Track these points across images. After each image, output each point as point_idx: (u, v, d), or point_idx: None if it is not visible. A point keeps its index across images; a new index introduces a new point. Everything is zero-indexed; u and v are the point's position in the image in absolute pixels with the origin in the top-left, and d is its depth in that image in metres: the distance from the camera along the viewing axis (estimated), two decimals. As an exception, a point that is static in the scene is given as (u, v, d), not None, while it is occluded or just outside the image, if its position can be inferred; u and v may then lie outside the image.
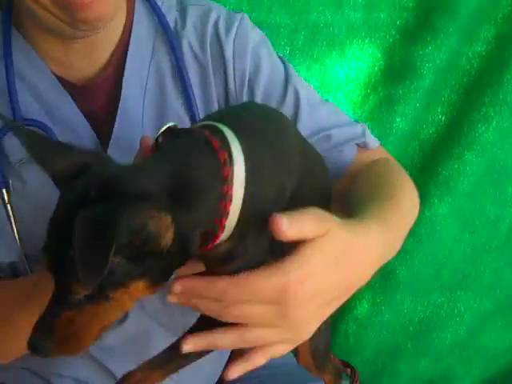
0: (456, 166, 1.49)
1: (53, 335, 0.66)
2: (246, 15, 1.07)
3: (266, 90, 1.02)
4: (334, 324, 1.60)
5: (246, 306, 0.68)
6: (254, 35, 1.05)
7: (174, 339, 0.76)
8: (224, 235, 0.69)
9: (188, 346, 0.71)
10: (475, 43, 1.50)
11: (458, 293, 1.59)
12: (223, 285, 0.67)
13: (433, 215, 1.50)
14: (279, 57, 1.09)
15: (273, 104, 1.02)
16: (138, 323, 0.97)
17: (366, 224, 0.78)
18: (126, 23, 1.00)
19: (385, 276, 1.55)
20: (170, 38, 1.01)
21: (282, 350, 0.74)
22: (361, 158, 1.05)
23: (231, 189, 0.68)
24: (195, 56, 1.02)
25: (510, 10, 1.49)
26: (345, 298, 0.77)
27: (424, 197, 1.51)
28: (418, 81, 1.47)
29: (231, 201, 0.68)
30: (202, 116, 1.01)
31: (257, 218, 0.70)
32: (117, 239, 0.58)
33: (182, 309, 0.86)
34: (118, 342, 0.97)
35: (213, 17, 1.03)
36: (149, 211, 0.62)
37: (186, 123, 1.00)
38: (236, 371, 0.72)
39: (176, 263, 0.69)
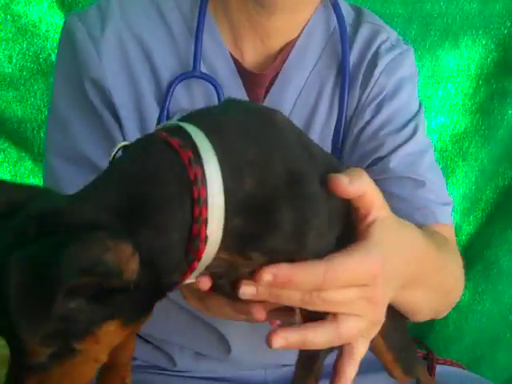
0: None
1: None
2: (412, 50, 1.10)
3: (392, 113, 1.02)
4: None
5: (342, 291, 0.64)
6: (409, 68, 1.07)
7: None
8: (211, 247, 0.58)
9: (277, 341, 0.63)
10: None
11: None
12: (321, 269, 0.62)
13: (539, 206, 1.50)
14: (419, 101, 1.09)
15: (387, 131, 1.00)
16: None
17: (412, 226, 0.77)
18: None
19: (488, 266, 1.56)
20: (344, 47, 1.02)
21: (364, 347, 0.70)
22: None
23: (203, 190, 0.57)
24: (353, 64, 1.03)
25: None
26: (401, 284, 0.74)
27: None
28: (531, 73, 1.47)
29: (206, 204, 0.57)
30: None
31: (268, 213, 0.59)
32: (62, 284, 0.47)
33: None
34: None
35: (382, 37, 1.06)
36: (101, 242, 0.51)
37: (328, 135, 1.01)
38: None
39: (152, 295, 0.58)
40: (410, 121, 1.03)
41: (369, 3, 1.43)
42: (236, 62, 1.01)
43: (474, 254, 1.58)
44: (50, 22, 1.45)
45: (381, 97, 1.03)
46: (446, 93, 1.54)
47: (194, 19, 0.99)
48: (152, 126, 0.96)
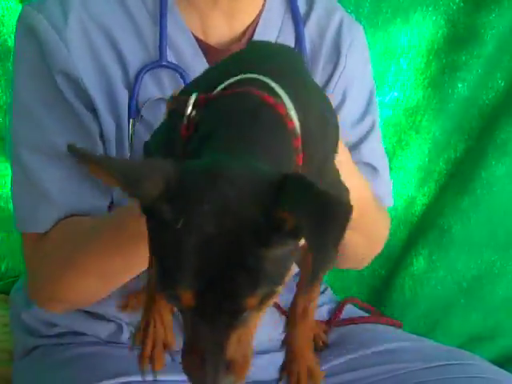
0: (514, 130, 1.55)
1: (230, 369, 0.57)
2: (363, 29, 1.20)
3: (355, 100, 1.13)
4: (390, 279, 1.70)
5: None
6: (366, 47, 1.19)
7: None
8: None
9: None
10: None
11: (511, 251, 1.65)
12: None
13: (490, 176, 1.56)
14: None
15: (351, 117, 1.13)
16: None
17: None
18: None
19: (441, 234, 1.63)
20: (297, 23, 1.09)
21: None
22: None
23: (298, 140, 0.67)
24: (312, 41, 1.11)
25: None
26: None
27: (482, 159, 1.58)
28: (480, 47, 1.52)
29: (298, 154, 0.67)
30: None
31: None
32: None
33: None
34: None
35: (338, 15, 1.14)
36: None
37: None
38: None
39: None
40: (369, 104, 1.13)
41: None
42: (201, 42, 1.03)
43: (428, 223, 1.65)
44: (6, 6, 1.43)
45: (347, 79, 1.11)
46: (399, 68, 1.59)
47: (157, 5, 1.01)
48: (125, 114, 0.98)
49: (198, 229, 0.54)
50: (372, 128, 1.17)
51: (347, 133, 1.06)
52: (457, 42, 1.55)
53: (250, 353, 0.59)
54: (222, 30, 1.05)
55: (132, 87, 0.99)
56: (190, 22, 1.03)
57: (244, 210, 0.55)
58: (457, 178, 1.62)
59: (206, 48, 1.04)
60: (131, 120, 0.99)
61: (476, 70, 1.54)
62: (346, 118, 1.11)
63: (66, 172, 0.97)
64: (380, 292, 1.71)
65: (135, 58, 1.00)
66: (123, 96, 0.99)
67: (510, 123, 1.55)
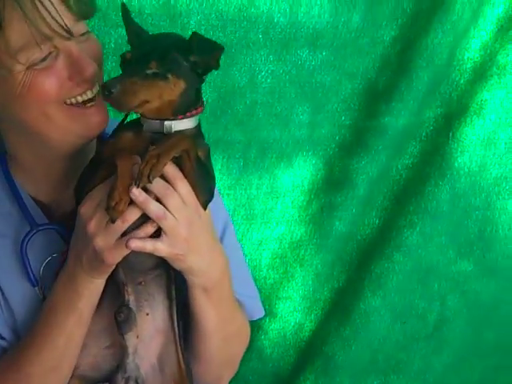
0: (386, 264, 1.71)
1: (121, 83, 0.93)
2: None
3: None
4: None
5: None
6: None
7: None
8: None
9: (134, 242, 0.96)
10: (403, 157, 1.75)
11: (392, 376, 1.78)
12: None
13: (367, 307, 1.71)
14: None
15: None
16: None
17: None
18: None
19: (326, 360, 1.74)
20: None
21: None
22: None
23: None
24: None
25: (432, 130, 1.75)
26: None
27: (359, 291, 1.72)
28: (353, 189, 1.70)
29: None
30: None
31: None
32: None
33: None
34: None
35: None
36: None
37: None
38: None
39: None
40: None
41: (212, 131, 1.60)
42: (41, 203, 1.14)
43: (314, 350, 1.75)
44: None
45: None
46: (284, 206, 1.73)
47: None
48: None
49: (153, 36, 1.03)
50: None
51: None
52: (333, 183, 1.71)
53: (137, 94, 0.95)
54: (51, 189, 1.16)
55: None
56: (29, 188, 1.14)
57: (175, 41, 1.01)
58: (339, 307, 1.75)
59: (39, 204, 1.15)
60: (36, 288, 1.09)
61: (351, 210, 1.70)
62: None
63: None
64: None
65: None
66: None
67: (384, 258, 1.71)
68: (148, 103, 0.96)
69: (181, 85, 0.98)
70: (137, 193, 0.94)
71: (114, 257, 0.98)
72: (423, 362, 1.81)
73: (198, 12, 1.48)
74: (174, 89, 0.97)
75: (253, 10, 1.53)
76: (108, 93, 0.92)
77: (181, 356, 1.08)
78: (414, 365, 1.81)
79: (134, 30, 1.04)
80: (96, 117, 1.06)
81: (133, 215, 0.96)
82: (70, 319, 1.03)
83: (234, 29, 1.52)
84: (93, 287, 1.02)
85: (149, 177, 0.92)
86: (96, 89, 1.05)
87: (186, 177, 0.98)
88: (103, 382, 1.09)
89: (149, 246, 0.96)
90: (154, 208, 0.95)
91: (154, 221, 0.96)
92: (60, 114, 1.03)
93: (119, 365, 1.08)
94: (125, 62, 0.98)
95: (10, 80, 1.00)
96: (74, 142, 1.07)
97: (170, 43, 1.00)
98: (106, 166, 0.99)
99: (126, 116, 1.07)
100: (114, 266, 1.01)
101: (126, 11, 1.04)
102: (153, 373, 1.08)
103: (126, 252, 0.97)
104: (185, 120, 1.00)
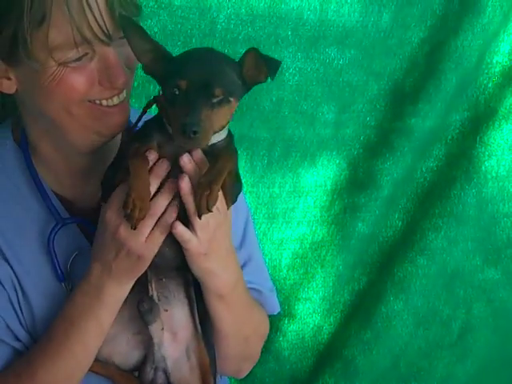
0: (409, 268, 1.68)
1: (199, 122, 0.92)
2: None
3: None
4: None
5: None
6: None
7: None
8: None
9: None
10: (428, 159, 1.72)
11: (413, 382, 1.73)
12: None
13: (389, 311, 1.67)
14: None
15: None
16: None
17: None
18: None
19: (346, 364, 1.70)
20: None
21: None
22: None
23: None
24: None
25: (458, 133, 1.72)
26: None
27: (381, 294, 1.69)
28: (377, 191, 1.68)
29: None
30: None
31: None
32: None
33: None
34: None
35: None
36: None
37: None
38: None
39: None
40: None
41: (237, 127, 1.58)
42: (61, 197, 1.14)
43: (333, 353, 1.72)
44: None
45: None
46: (306, 206, 1.71)
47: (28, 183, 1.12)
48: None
49: (195, 56, 0.99)
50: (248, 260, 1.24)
51: None
52: (357, 184, 1.69)
53: (213, 127, 0.96)
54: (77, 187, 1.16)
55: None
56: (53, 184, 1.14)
57: (225, 59, 1.00)
58: (360, 310, 1.72)
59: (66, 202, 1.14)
60: (63, 284, 1.09)
61: (374, 211, 1.68)
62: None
63: None
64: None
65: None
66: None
67: (407, 261, 1.68)
68: None
69: (237, 104, 0.98)
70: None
71: (151, 249, 1.00)
72: (446, 371, 1.77)
73: (228, 6, 1.47)
74: (232, 110, 0.97)
75: (283, 6, 1.51)
76: (193, 135, 0.91)
77: (205, 351, 1.10)
78: (437, 373, 1.77)
79: (151, 47, 0.98)
80: (118, 117, 1.06)
81: (161, 207, 0.98)
82: (90, 328, 1.04)
83: (264, 25, 1.51)
84: (119, 294, 1.03)
85: (207, 207, 0.94)
86: (123, 95, 1.06)
87: (222, 188, 0.98)
88: (134, 371, 1.12)
89: (187, 234, 0.99)
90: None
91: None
92: (82, 111, 1.03)
93: (147, 355, 1.10)
94: (179, 90, 0.94)
95: (41, 71, 1.00)
96: (92, 139, 1.07)
97: (224, 64, 0.97)
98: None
99: (148, 106, 1.06)
100: (149, 262, 1.01)
101: (132, 24, 0.99)
102: (179, 365, 1.11)
103: (161, 240, 0.99)
104: (221, 132, 1.01)
